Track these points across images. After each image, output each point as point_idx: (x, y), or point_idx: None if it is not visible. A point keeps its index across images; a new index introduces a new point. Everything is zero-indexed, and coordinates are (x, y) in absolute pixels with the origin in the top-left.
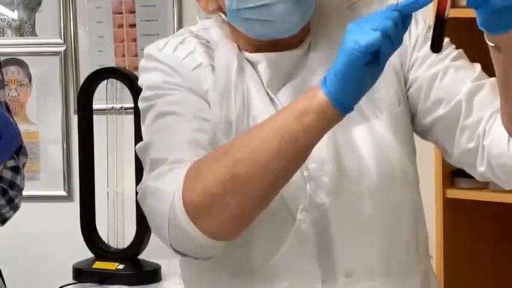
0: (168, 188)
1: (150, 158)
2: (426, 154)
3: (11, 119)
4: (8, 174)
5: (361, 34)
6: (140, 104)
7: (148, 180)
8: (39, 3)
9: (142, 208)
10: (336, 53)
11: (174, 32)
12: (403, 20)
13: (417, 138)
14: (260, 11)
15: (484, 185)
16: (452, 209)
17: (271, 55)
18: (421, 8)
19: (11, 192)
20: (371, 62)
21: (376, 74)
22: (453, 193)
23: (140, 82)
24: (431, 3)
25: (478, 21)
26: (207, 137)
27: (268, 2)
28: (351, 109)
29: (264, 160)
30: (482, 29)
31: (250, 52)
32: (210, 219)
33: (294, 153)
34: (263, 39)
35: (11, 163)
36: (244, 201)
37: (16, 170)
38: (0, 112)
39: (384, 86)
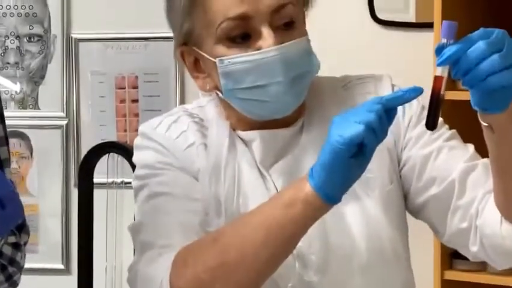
0: (157, 274)
1: (140, 240)
2: (425, 235)
3: (17, 193)
4: (8, 250)
5: (345, 127)
6: (134, 182)
7: (139, 264)
8: (42, 77)
9: None
10: (323, 145)
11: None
12: (388, 113)
13: (415, 219)
14: (255, 92)
15: (483, 267)
16: None
17: (265, 133)
18: (406, 103)
19: (10, 269)
20: (357, 154)
21: (362, 166)
22: (451, 275)
23: (134, 160)
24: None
25: (472, 100)
26: (197, 219)
27: (263, 83)
28: (339, 200)
29: (252, 248)
30: (476, 108)
31: (244, 130)
32: None
33: (282, 242)
34: (258, 119)
35: (11, 239)
36: None
37: (17, 246)
38: (8, 183)
39: (377, 165)
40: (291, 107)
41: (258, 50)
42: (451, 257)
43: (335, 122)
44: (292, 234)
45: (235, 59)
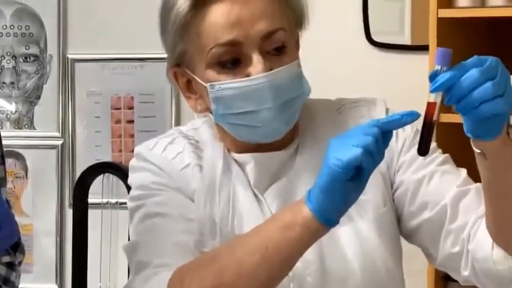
0: None
1: (136, 260)
2: (418, 258)
3: (12, 213)
4: (2, 270)
5: (343, 150)
6: (129, 203)
7: (134, 283)
8: (38, 97)
9: None
10: (321, 167)
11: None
12: (384, 135)
13: (408, 243)
14: (245, 117)
15: None
16: None
17: (259, 156)
18: (402, 126)
19: None
20: (354, 177)
21: (360, 189)
22: None
23: (129, 181)
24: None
25: (465, 127)
26: (192, 239)
27: (253, 109)
28: (336, 223)
29: (249, 270)
30: (469, 135)
31: (238, 152)
32: None
33: (278, 265)
34: (250, 142)
35: (6, 259)
36: None
37: (11, 266)
38: (3, 204)
39: (371, 187)
40: (281, 132)
41: (248, 76)
42: (444, 280)
43: (332, 145)
44: (289, 257)
45: (225, 85)
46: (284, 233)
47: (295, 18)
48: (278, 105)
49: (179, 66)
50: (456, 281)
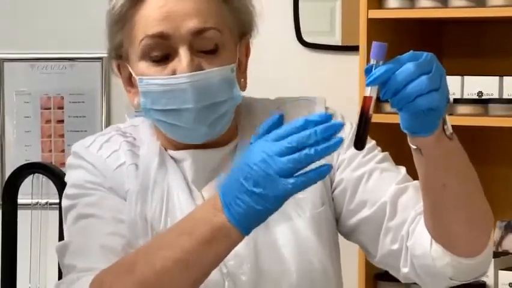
0: None
1: (64, 263)
2: (349, 257)
3: None
4: None
5: (270, 184)
6: (63, 202)
7: (60, 286)
8: None
9: None
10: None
11: (102, 128)
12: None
13: (341, 241)
14: (168, 115)
15: None
16: None
17: (196, 152)
18: (330, 153)
19: None
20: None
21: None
22: None
23: (66, 178)
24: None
25: (401, 123)
26: (121, 242)
27: (175, 107)
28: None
29: (170, 281)
30: (405, 131)
31: (175, 150)
32: None
33: (200, 274)
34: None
35: None
36: None
37: None
38: None
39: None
40: (204, 136)
41: (174, 71)
42: (375, 279)
43: (258, 171)
44: (210, 266)
45: (152, 80)
46: (205, 248)
47: (239, 22)
48: (199, 107)
49: (121, 58)
50: (386, 280)
